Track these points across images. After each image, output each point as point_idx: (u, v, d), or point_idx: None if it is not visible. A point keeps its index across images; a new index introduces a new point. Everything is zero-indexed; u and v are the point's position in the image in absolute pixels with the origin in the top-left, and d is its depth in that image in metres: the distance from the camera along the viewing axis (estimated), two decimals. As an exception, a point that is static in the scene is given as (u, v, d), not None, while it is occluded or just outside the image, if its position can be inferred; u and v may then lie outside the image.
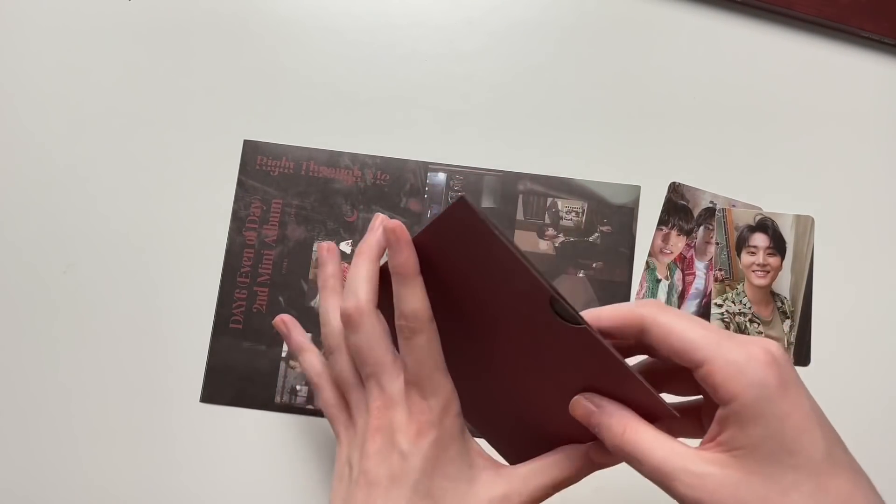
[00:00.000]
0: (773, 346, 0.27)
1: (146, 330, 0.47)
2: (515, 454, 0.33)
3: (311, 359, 0.37)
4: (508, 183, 0.49)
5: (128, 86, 0.51)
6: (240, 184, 0.49)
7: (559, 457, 0.31)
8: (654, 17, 0.52)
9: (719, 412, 0.27)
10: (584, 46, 0.51)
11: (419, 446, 0.30)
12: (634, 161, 0.50)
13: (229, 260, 0.48)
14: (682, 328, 0.28)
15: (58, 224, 0.49)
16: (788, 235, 0.48)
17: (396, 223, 0.30)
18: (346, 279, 0.33)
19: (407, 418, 0.31)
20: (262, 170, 0.49)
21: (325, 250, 0.36)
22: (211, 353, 0.47)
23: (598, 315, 0.30)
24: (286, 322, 0.39)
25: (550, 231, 0.48)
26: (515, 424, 0.33)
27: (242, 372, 0.47)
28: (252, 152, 0.50)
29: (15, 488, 0.46)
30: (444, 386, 0.31)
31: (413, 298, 0.30)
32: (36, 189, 0.49)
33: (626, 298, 0.48)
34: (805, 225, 0.49)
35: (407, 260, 0.30)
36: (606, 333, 0.29)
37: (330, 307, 0.34)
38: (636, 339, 0.29)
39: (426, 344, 0.30)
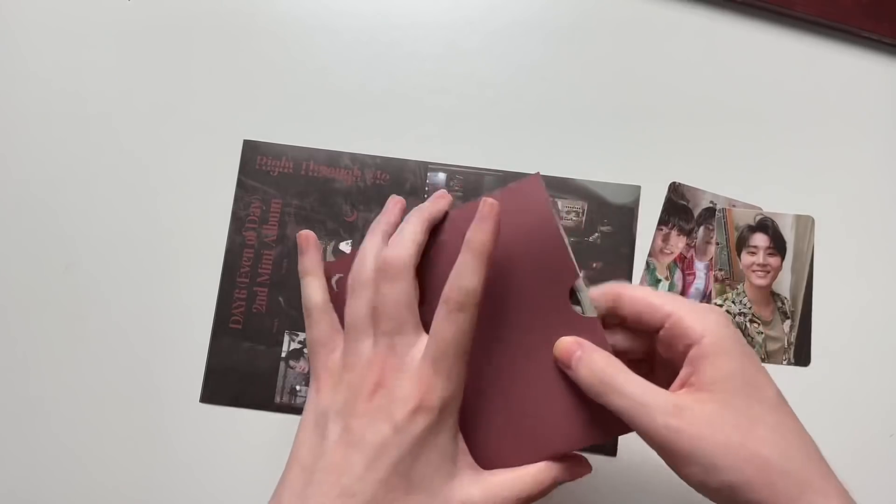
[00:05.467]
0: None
1: (146, 329, 0.47)
2: (489, 459, 0.33)
3: (316, 287, 0.34)
4: (509, 183, 0.49)
5: (127, 85, 0.51)
6: (239, 184, 0.49)
7: (532, 471, 0.32)
8: (654, 17, 0.52)
9: (691, 353, 0.29)
10: (584, 46, 0.51)
11: (414, 424, 0.29)
12: (634, 161, 0.50)
13: (229, 260, 0.48)
14: (646, 293, 0.32)
15: (58, 223, 0.49)
16: (789, 235, 0.48)
17: (494, 201, 0.31)
18: (398, 232, 0.33)
19: (411, 391, 0.29)
20: (261, 170, 0.49)
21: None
22: (210, 353, 0.47)
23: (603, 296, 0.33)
24: (308, 239, 0.36)
25: (550, 231, 0.48)
26: (499, 422, 0.33)
27: (242, 372, 0.47)
28: (252, 152, 0.50)
29: (15, 488, 0.46)
30: (458, 375, 0.30)
31: (476, 276, 0.30)
32: (36, 188, 0.49)
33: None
34: (805, 225, 0.48)
35: (490, 238, 0.30)
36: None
37: (373, 246, 0.33)
38: (609, 311, 0.33)
39: (467, 325, 0.30)
